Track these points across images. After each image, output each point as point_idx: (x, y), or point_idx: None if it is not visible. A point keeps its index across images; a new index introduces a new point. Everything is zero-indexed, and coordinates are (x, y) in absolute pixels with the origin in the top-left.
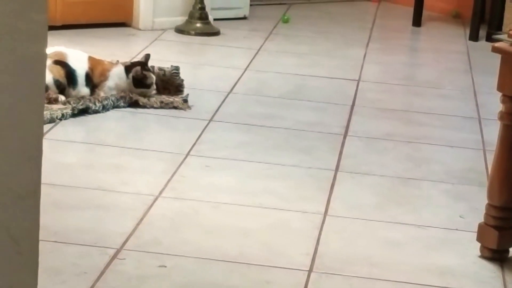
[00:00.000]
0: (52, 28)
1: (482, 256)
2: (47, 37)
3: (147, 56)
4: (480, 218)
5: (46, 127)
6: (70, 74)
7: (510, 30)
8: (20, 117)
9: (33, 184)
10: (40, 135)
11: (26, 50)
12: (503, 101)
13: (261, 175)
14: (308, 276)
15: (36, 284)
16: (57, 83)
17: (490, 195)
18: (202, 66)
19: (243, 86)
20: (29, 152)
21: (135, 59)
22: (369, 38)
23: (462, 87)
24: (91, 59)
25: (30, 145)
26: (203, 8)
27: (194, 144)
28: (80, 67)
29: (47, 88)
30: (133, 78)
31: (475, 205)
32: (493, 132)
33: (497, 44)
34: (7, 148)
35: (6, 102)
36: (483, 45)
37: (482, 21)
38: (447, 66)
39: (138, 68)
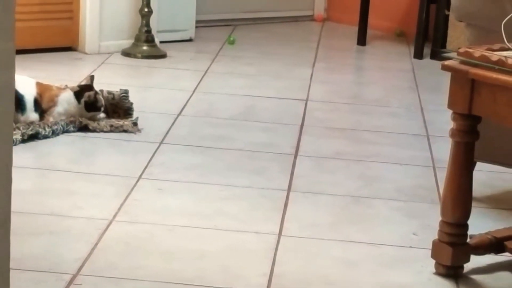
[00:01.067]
0: None
1: (437, 273)
2: (14, 65)
3: (92, 78)
4: (433, 235)
5: None
6: (18, 100)
7: (459, 48)
8: None
9: (4, 214)
10: (9, 164)
11: None
12: (454, 119)
13: (215, 197)
14: None
15: None
16: None
17: (443, 212)
18: (150, 89)
19: (192, 108)
20: None
21: (82, 83)
22: (315, 58)
23: (409, 104)
24: (39, 84)
25: (0, 175)
26: (149, 31)
27: (146, 167)
28: (28, 92)
29: None
30: (85, 102)
31: (428, 222)
32: (442, 149)
33: (446, 62)
34: None
35: None
36: (427, 63)
37: (426, 39)
38: (393, 84)
39: (92, 93)
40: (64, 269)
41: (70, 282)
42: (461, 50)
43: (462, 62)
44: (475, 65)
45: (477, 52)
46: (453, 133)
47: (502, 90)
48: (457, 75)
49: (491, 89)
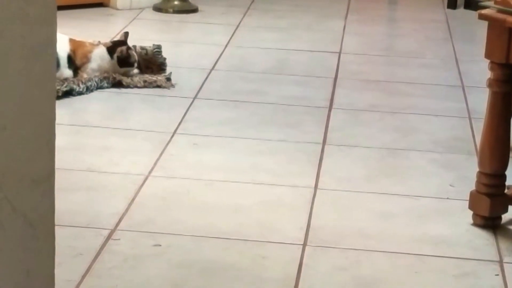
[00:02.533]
0: None
1: (475, 224)
2: (56, 20)
3: (126, 34)
4: (470, 186)
5: None
6: None
7: None
8: (33, 102)
9: (48, 169)
10: (52, 120)
11: (37, 34)
12: (491, 68)
13: (250, 151)
14: (303, 250)
15: (53, 267)
16: None
17: (481, 163)
18: (183, 44)
19: (225, 62)
20: (43, 137)
21: (115, 39)
22: (348, 10)
23: (443, 56)
24: (72, 41)
25: (44, 130)
26: None
27: (180, 122)
28: (62, 49)
29: None
30: (118, 57)
31: (465, 174)
32: (478, 100)
33: (483, 11)
34: (22, 134)
35: (19, 88)
36: (461, 13)
37: None
38: (427, 35)
39: (124, 48)
40: (102, 224)
41: (109, 237)
42: None
43: (500, 11)
44: None
45: None
46: (491, 83)
47: None
48: (494, 24)
49: None
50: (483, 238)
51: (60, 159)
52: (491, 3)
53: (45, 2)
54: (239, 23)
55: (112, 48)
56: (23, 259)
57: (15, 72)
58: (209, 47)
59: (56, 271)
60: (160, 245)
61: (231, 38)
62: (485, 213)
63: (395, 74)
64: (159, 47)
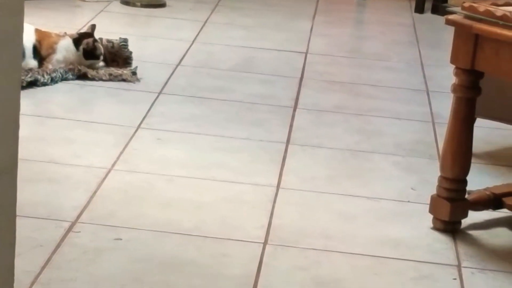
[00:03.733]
0: None
1: (435, 228)
2: (23, 9)
3: (93, 27)
4: (431, 190)
5: None
6: None
7: (463, 2)
8: None
9: (12, 159)
10: (17, 109)
11: (4, 24)
12: (456, 74)
13: (213, 148)
14: (264, 248)
15: (13, 258)
16: None
17: (442, 167)
18: (149, 38)
19: (192, 58)
20: (8, 127)
21: (81, 31)
22: (316, 11)
23: (409, 59)
24: (38, 31)
25: (9, 119)
26: None
27: (145, 117)
28: (27, 39)
29: None
30: (84, 50)
31: (426, 177)
32: (441, 104)
33: (450, 17)
34: None
35: None
36: (428, 17)
37: None
38: (394, 39)
39: (90, 40)
40: (63, 217)
41: (69, 229)
42: (466, 5)
43: (466, 17)
44: (479, 20)
45: (482, 7)
46: (455, 88)
47: (506, 46)
48: (461, 30)
49: (494, 45)
50: (442, 242)
51: (23, 150)
52: (458, 9)
53: None
54: (207, 20)
55: (78, 40)
56: None
57: None
58: (176, 42)
59: (16, 262)
60: (121, 239)
61: (198, 34)
62: (445, 217)
63: (361, 76)
64: (125, 40)
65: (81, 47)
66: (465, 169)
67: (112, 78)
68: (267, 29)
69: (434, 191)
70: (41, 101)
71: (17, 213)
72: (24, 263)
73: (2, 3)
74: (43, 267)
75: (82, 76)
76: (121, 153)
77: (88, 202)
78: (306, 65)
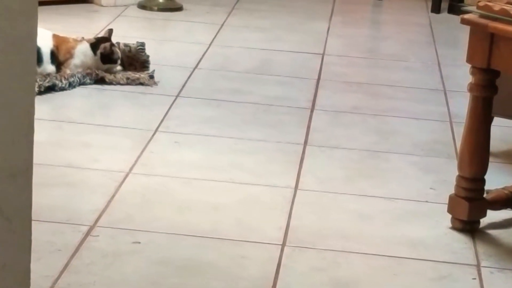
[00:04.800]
0: None
1: (453, 228)
2: (37, 14)
3: (110, 31)
4: (449, 190)
5: None
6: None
7: (478, 1)
8: (12, 96)
9: (25, 163)
10: (31, 113)
11: (18, 28)
12: (472, 73)
13: (231, 150)
14: (282, 250)
15: (29, 261)
16: None
17: (460, 167)
18: (167, 42)
19: (208, 61)
20: (21, 131)
21: (99, 36)
22: (332, 12)
23: (426, 59)
24: (55, 36)
25: (22, 123)
26: None
27: (162, 120)
28: (45, 44)
29: None
30: (101, 54)
31: (444, 177)
32: (459, 104)
33: (466, 16)
34: (0, 127)
35: None
36: (445, 17)
37: None
38: (410, 39)
39: (107, 44)
40: (81, 221)
41: (87, 233)
42: (481, 4)
43: (482, 16)
44: (495, 19)
45: (497, 6)
46: (472, 88)
47: None
48: (476, 29)
49: (510, 43)
50: (461, 242)
51: (41, 155)
52: (473, 8)
53: None
54: (223, 23)
55: (95, 45)
56: None
57: None
58: (193, 45)
59: (34, 266)
60: (139, 242)
61: (215, 37)
62: (464, 217)
63: (378, 77)
64: (142, 44)
65: (98, 52)
66: (483, 168)
67: (130, 82)
68: (283, 30)
69: (452, 190)
70: (59, 106)
71: (35, 217)
72: (43, 268)
73: (14, 8)
74: (61, 272)
75: (100, 81)
76: (139, 156)
77: (106, 206)
78: (323, 66)
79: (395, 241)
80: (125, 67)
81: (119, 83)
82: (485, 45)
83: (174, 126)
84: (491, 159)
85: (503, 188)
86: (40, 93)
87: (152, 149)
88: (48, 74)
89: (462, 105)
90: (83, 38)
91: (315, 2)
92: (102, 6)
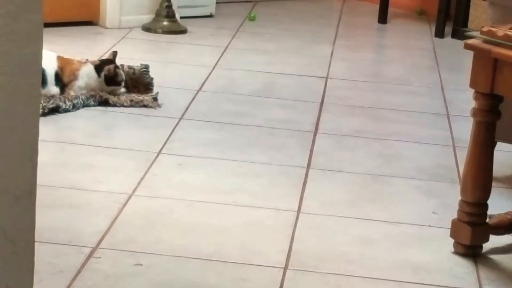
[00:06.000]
0: None
1: (456, 252)
2: (42, 37)
3: (115, 53)
4: (452, 214)
5: None
6: None
7: (482, 27)
8: (17, 118)
9: (29, 185)
10: (36, 136)
11: (23, 51)
12: (475, 98)
13: (234, 173)
14: (284, 273)
15: (32, 283)
16: None
17: (463, 191)
18: (170, 64)
19: (212, 84)
20: (26, 153)
21: (103, 57)
22: (336, 35)
23: (429, 83)
24: (60, 58)
25: (27, 146)
26: (169, 6)
27: (166, 142)
28: (49, 66)
29: None
30: (105, 76)
31: (447, 201)
32: (462, 128)
33: (469, 41)
34: (4, 149)
35: (3, 103)
36: (449, 41)
37: (447, 17)
38: (414, 63)
39: (111, 66)
40: (84, 242)
41: (90, 255)
42: (484, 29)
43: (485, 41)
44: (498, 44)
45: (500, 31)
46: (475, 113)
47: None
48: (479, 54)
49: None
50: (463, 266)
51: (44, 176)
52: (477, 33)
53: (32, 19)
54: (228, 45)
55: (99, 67)
56: (2, 275)
57: None
58: (197, 68)
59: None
60: (141, 265)
61: (219, 60)
62: (466, 241)
63: (381, 101)
64: (146, 66)
65: (102, 74)
66: (486, 193)
67: (134, 104)
68: (287, 54)
69: (455, 215)
70: (63, 127)
71: (38, 238)
72: None
73: (20, 31)
74: None
75: (104, 103)
76: (142, 178)
77: (109, 228)
78: (327, 90)
79: (397, 265)
80: (129, 89)
81: (123, 105)
82: (488, 70)
83: (178, 148)
84: (494, 184)
85: (506, 213)
86: (44, 114)
87: (155, 171)
88: (52, 96)
89: (465, 129)
90: (87, 60)
91: (319, 25)
92: (106, 28)
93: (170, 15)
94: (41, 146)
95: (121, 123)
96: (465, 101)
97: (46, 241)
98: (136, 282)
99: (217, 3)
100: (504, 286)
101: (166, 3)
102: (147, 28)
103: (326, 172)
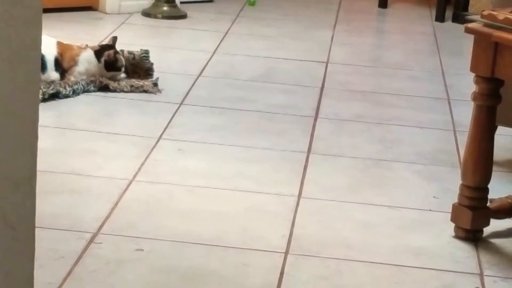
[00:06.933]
0: None
1: (457, 236)
2: (41, 23)
3: (115, 39)
4: (453, 199)
5: None
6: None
7: (483, 10)
8: (16, 104)
9: (29, 171)
10: (35, 122)
11: (22, 36)
12: (476, 82)
13: (235, 158)
14: (285, 258)
15: (32, 269)
16: None
17: (464, 176)
18: (171, 50)
19: (213, 69)
20: (25, 140)
21: (103, 43)
22: (336, 20)
23: (430, 68)
24: (59, 44)
25: (26, 132)
26: None
27: (166, 127)
28: (49, 52)
29: None
30: (105, 61)
31: (448, 186)
32: (463, 112)
33: (470, 25)
34: (4, 135)
35: (2, 89)
36: (449, 26)
37: (448, 2)
38: (415, 48)
39: (111, 51)
40: (85, 228)
41: (91, 240)
42: (485, 13)
43: (486, 25)
44: (499, 28)
45: (501, 15)
46: (475, 97)
47: None
48: (480, 38)
49: None
50: (464, 250)
51: (45, 162)
52: (477, 17)
53: (31, 4)
54: (228, 30)
55: (99, 52)
56: (2, 261)
57: None
58: (197, 53)
59: (37, 273)
60: (142, 250)
61: (219, 45)
62: (467, 225)
63: (382, 85)
64: (146, 52)
65: (102, 59)
66: (487, 177)
67: (134, 89)
68: (288, 39)
69: (455, 199)
70: (63, 113)
71: (39, 224)
72: (46, 275)
73: (19, 17)
74: (64, 279)
75: (104, 88)
76: (142, 164)
77: (110, 213)
78: (327, 75)
79: (398, 250)
80: (129, 75)
81: (123, 91)
82: (489, 54)
83: (178, 133)
84: (494, 168)
85: (507, 197)
86: (44, 100)
87: (156, 157)
88: (52, 81)
89: (466, 114)
90: (87, 45)
91: (320, 10)
92: (106, 13)
93: (170, 0)
94: (41, 132)
95: (121, 109)
96: (466, 85)
97: (47, 227)
98: (137, 267)
99: None
100: (504, 270)
101: None
102: (147, 13)
103: (327, 157)
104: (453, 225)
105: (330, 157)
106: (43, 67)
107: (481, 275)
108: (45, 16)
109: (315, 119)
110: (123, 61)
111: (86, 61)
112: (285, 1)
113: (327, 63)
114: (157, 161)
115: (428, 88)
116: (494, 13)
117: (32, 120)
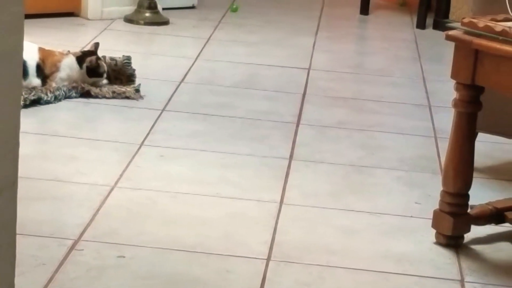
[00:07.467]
0: None
1: (438, 243)
2: (23, 29)
3: (97, 45)
4: (434, 205)
5: None
6: None
7: (463, 18)
8: None
9: (11, 177)
10: (17, 128)
11: (4, 43)
12: (457, 89)
13: (217, 164)
14: (267, 264)
15: (13, 276)
16: None
17: (445, 182)
18: (153, 56)
19: (195, 75)
20: (7, 146)
21: (85, 49)
22: (318, 27)
23: (411, 75)
24: (41, 50)
25: (8, 138)
26: None
27: (148, 134)
28: (31, 58)
29: None
30: (87, 67)
31: (429, 192)
32: (444, 119)
33: (450, 32)
34: None
35: None
36: (430, 33)
37: (429, 9)
38: (396, 54)
39: (93, 57)
40: (66, 235)
41: (72, 247)
42: (465, 20)
43: (466, 32)
44: (479, 35)
45: (481, 22)
46: (456, 103)
47: (506, 61)
48: (460, 45)
49: (494, 60)
50: (445, 257)
51: (26, 168)
52: (458, 25)
53: (12, 10)
54: (210, 37)
55: (81, 58)
56: None
57: None
58: (179, 59)
59: (18, 280)
60: (124, 257)
61: (201, 51)
62: (448, 232)
63: (363, 92)
64: (128, 58)
65: (84, 65)
66: (467, 184)
67: (116, 95)
68: (270, 45)
69: (436, 205)
70: (45, 119)
71: (20, 231)
72: (27, 282)
73: (1, 23)
74: (45, 286)
75: (86, 94)
76: (124, 170)
77: (91, 220)
78: (309, 81)
79: (380, 256)
80: (111, 81)
81: (105, 97)
82: (469, 61)
83: (160, 140)
84: (475, 174)
85: (487, 204)
86: (26, 106)
87: (138, 163)
88: (34, 88)
89: (446, 120)
90: (69, 51)
91: (302, 17)
92: (88, 19)
93: (152, 6)
94: (22, 138)
95: (103, 115)
96: (447, 92)
97: (28, 233)
98: (119, 274)
99: None
100: (485, 276)
101: None
102: (129, 20)
103: (309, 163)
104: (434, 231)
105: (312, 163)
106: (25, 73)
107: (462, 281)
108: (27, 22)
109: (297, 125)
110: (105, 67)
111: (68, 67)
112: (267, 7)
113: (309, 69)
114: (139, 167)
115: (410, 94)
116: (475, 20)
117: (14, 126)
